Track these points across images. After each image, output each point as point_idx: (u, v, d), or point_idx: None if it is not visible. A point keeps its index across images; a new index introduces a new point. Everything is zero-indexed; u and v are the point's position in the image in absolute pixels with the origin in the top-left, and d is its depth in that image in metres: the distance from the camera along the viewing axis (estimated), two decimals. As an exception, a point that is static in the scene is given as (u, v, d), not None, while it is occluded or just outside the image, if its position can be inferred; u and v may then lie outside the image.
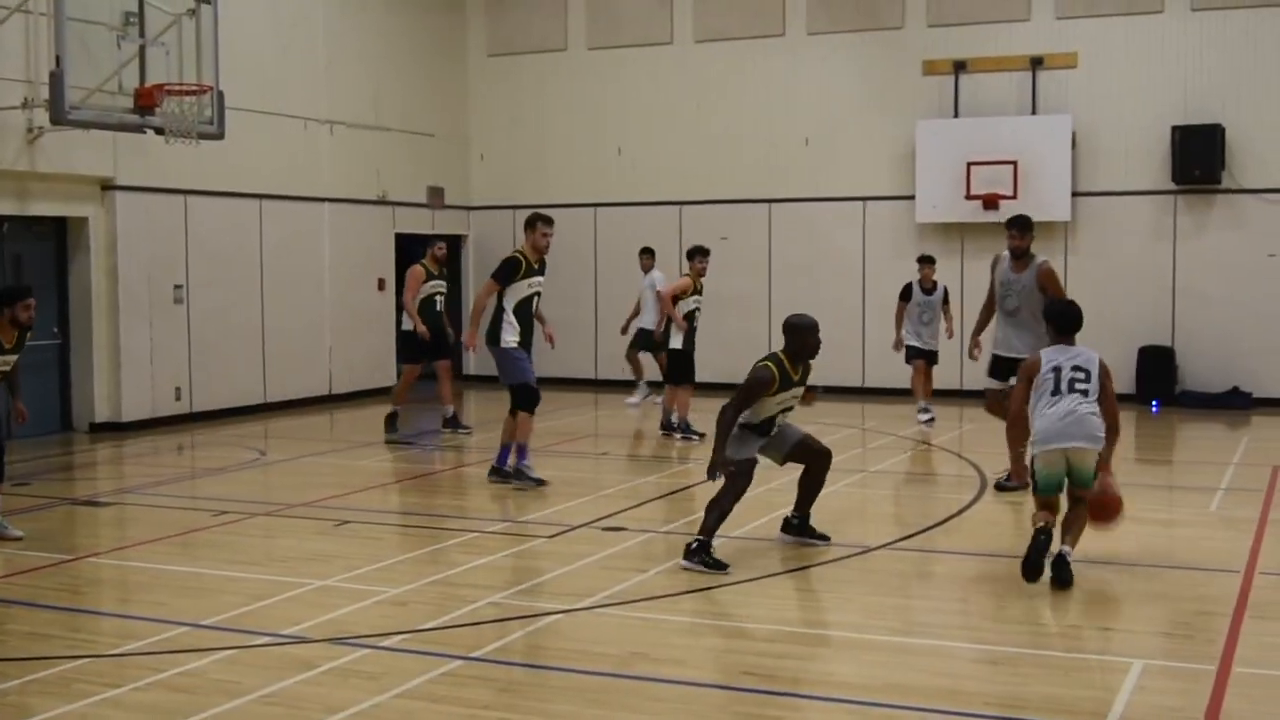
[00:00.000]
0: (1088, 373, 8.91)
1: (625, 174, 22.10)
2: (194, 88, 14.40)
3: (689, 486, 12.49)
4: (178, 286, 17.35)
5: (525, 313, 12.37)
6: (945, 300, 17.38)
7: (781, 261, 20.94)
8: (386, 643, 7.41)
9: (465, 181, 23.15)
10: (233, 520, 11.11)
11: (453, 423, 16.30)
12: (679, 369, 15.55)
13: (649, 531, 10.39)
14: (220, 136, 15.04)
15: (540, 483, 12.22)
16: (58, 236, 16.65)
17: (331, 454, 15.05)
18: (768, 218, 21.11)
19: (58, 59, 13.32)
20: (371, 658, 7.17)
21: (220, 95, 14.83)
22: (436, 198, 22.40)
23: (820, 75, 20.85)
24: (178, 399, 17.43)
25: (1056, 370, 8.93)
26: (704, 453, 13.95)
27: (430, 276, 16.06)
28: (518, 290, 12.28)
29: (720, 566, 8.96)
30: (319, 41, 19.93)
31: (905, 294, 17.32)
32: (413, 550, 10.01)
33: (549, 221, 12.54)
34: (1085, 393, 8.81)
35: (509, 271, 12.25)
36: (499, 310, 12.26)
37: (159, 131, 14.34)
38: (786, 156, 21.05)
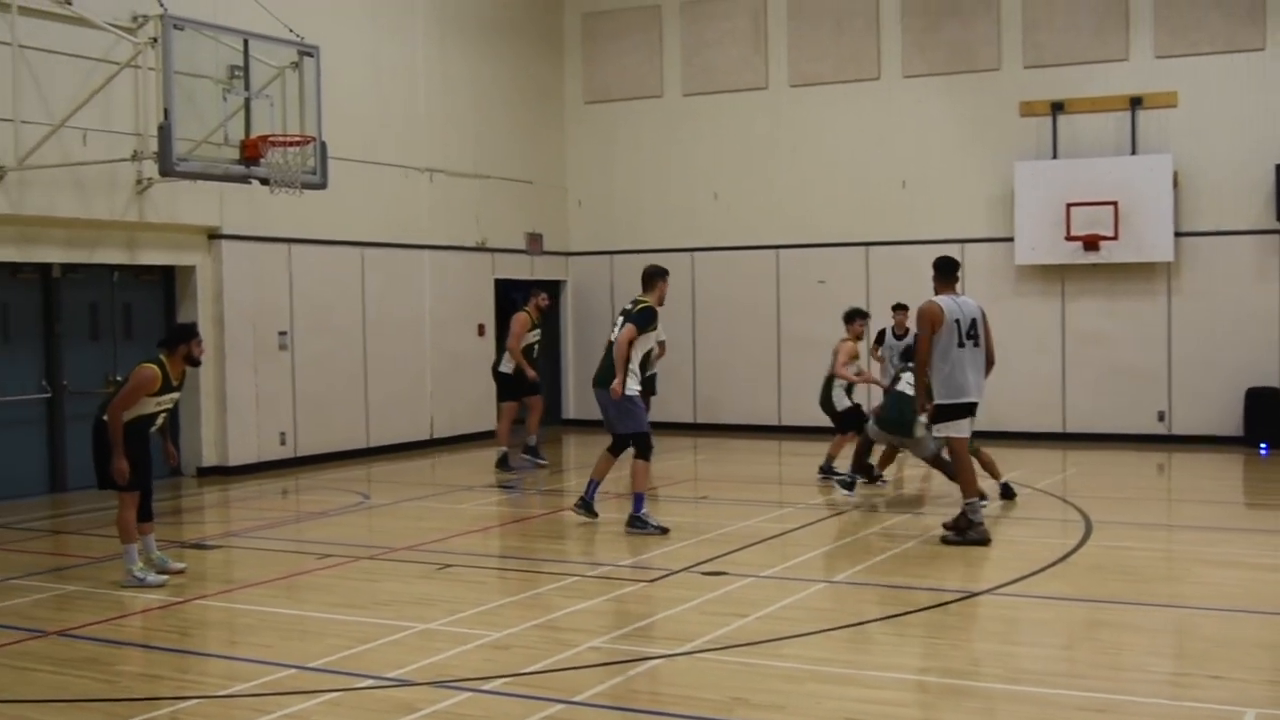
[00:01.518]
0: None
1: (721, 219, 22.17)
2: (297, 138, 14.65)
3: (790, 530, 12.44)
4: (282, 333, 17.65)
5: (646, 363, 12.67)
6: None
7: (879, 304, 20.80)
8: (489, 686, 7.46)
9: (563, 227, 23.34)
10: (337, 563, 11.25)
11: (532, 451, 17.21)
12: (852, 421, 15.45)
13: (750, 576, 10.35)
14: (323, 186, 15.28)
15: (663, 530, 12.21)
16: (166, 285, 17.01)
17: (433, 498, 15.18)
18: (865, 261, 21.06)
19: (166, 112, 13.60)
20: (474, 701, 7.21)
21: (323, 145, 15.08)
22: (535, 244, 22.60)
23: (916, 118, 20.82)
24: (282, 444, 17.70)
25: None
26: (802, 496, 13.94)
27: (533, 325, 16.75)
28: (646, 341, 12.52)
29: None
30: (419, 91, 20.24)
31: (879, 339, 17.67)
32: (514, 594, 10.06)
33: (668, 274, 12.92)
34: None
35: (648, 320, 12.43)
36: (626, 359, 12.36)
37: (264, 182, 14.58)
38: (883, 199, 21.01)
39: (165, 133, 13.53)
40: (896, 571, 10.56)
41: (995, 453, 17.84)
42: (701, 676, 7.64)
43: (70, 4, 14.74)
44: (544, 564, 11.16)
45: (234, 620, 9.59)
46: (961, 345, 11.57)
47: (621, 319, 12.49)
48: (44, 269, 15.71)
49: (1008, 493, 14.02)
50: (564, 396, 23.27)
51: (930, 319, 11.56)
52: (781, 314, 21.43)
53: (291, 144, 14.53)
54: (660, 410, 21.08)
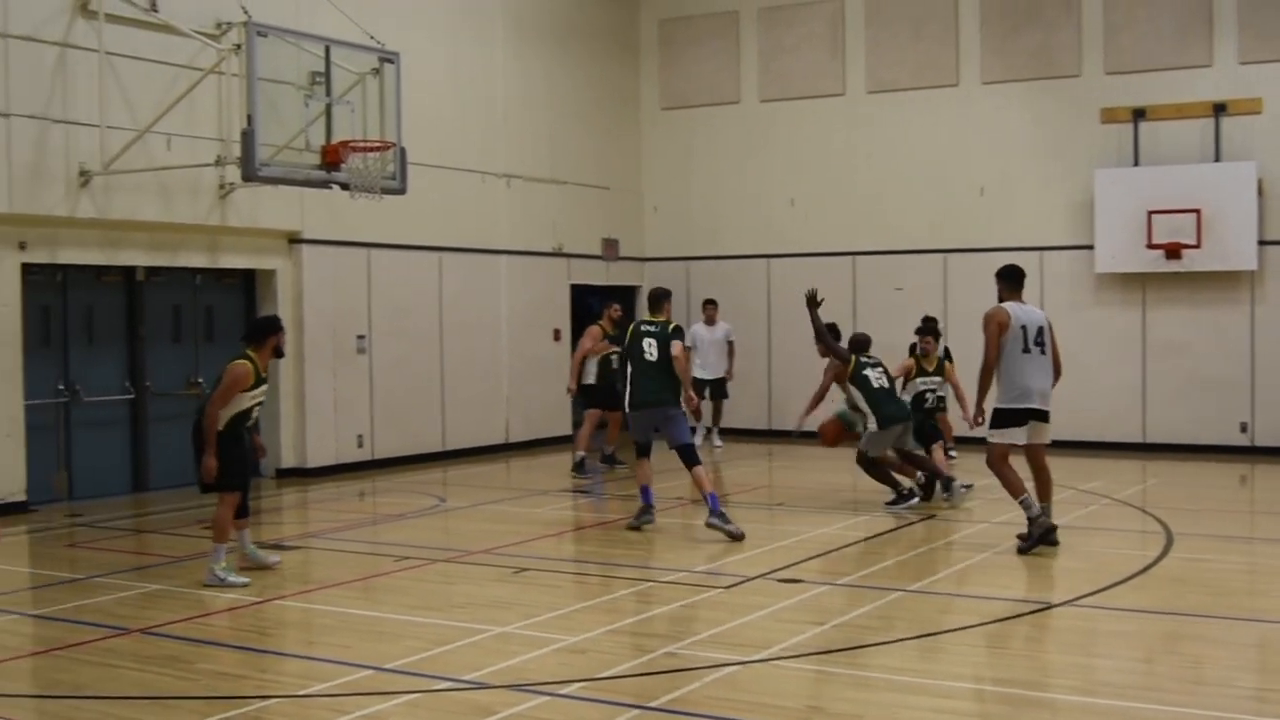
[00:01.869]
0: None
1: (798, 225, 22.12)
2: (377, 144, 14.77)
3: (866, 538, 12.40)
4: (360, 337, 17.81)
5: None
6: (947, 357, 17.12)
7: (957, 312, 20.68)
8: (565, 690, 7.48)
9: (639, 233, 23.38)
10: (414, 566, 11.33)
11: (609, 459, 17.61)
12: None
13: (826, 584, 10.32)
14: (402, 191, 15.41)
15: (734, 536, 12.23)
16: (247, 288, 17.22)
17: (508, 501, 15.25)
18: (943, 268, 20.94)
19: (249, 118, 13.77)
20: (550, 705, 7.24)
21: (402, 151, 15.20)
22: (611, 249, 22.66)
23: (995, 124, 20.67)
24: (360, 446, 17.86)
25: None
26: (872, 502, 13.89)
27: (605, 336, 17.07)
28: None
29: None
30: (497, 97, 20.36)
31: (911, 351, 17.36)
32: (589, 598, 10.09)
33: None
34: None
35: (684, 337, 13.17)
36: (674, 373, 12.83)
37: (344, 187, 14.72)
38: (961, 206, 20.88)
39: (248, 138, 13.69)
40: (973, 581, 10.49)
41: (1075, 463, 17.73)
42: (778, 684, 7.62)
43: (156, 11, 14.96)
44: (619, 569, 11.18)
45: (312, 621, 9.68)
46: (1027, 351, 11.53)
47: (654, 340, 12.86)
48: (128, 272, 15.95)
49: (945, 489, 14.20)
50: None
51: (998, 323, 11.51)
52: (858, 321, 21.32)
53: (372, 149, 14.65)
54: (734, 417, 21.15)
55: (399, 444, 18.41)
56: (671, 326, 12.98)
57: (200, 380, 16.32)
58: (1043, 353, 11.60)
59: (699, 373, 19.31)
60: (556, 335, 21.27)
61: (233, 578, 10.56)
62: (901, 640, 8.57)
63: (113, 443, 15.88)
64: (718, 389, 20.23)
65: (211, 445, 10.60)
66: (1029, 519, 11.52)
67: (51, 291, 15.26)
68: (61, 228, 14.72)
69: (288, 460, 17.04)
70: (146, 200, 15.22)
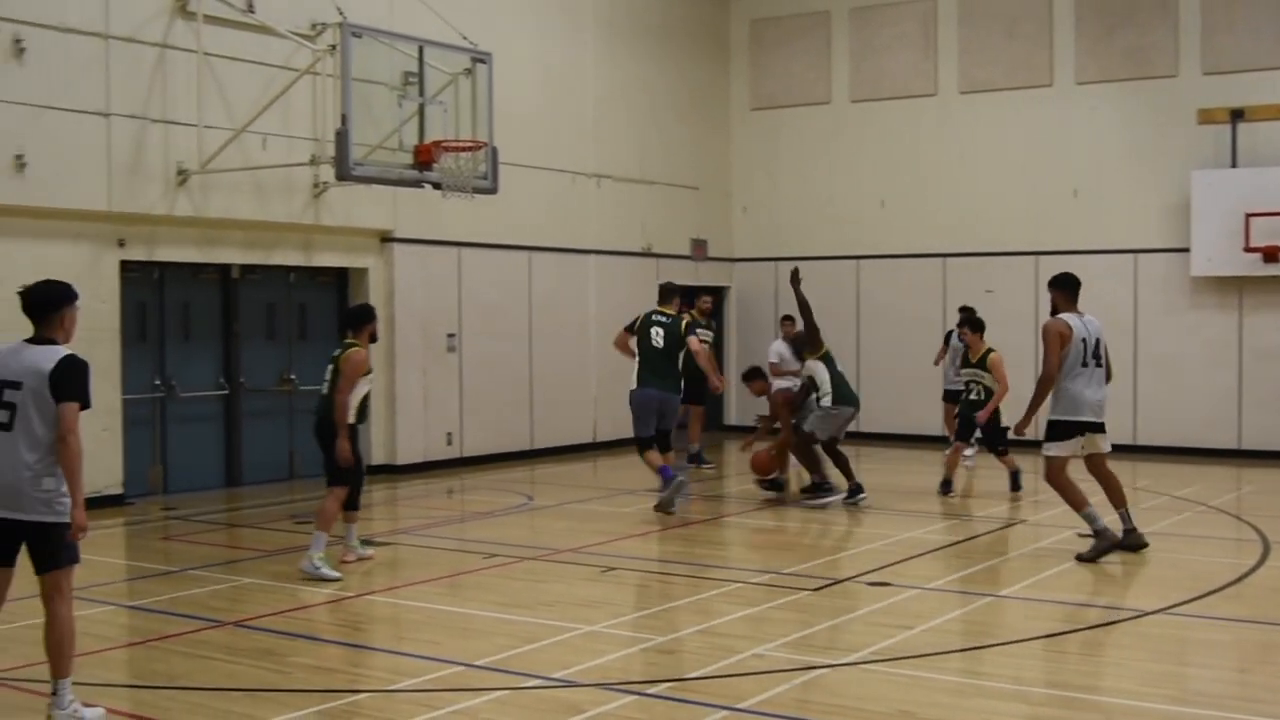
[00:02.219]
0: None
1: (887, 226, 22.00)
2: (470, 144, 14.85)
3: (956, 542, 12.30)
4: (450, 335, 17.95)
5: None
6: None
7: (1048, 315, 20.44)
8: (653, 690, 7.49)
9: (728, 234, 23.37)
10: (502, 564, 11.40)
11: (697, 458, 17.86)
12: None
13: (915, 588, 10.25)
14: (494, 191, 15.48)
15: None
16: (339, 286, 17.40)
17: (596, 500, 15.28)
18: (1034, 270, 20.70)
19: (343, 118, 13.89)
20: (639, 705, 7.25)
21: (494, 151, 15.28)
22: (700, 250, 22.65)
23: (1089, 125, 20.43)
24: (449, 444, 18.00)
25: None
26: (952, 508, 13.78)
27: (696, 326, 16.76)
28: None
29: None
30: (587, 97, 20.43)
31: (947, 339, 18.59)
32: (677, 599, 10.08)
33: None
34: None
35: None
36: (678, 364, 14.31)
37: (436, 186, 14.82)
38: (1054, 208, 20.66)
39: (342, 138, 13.82)
40: (1066, 587, 10.36)
41: (1169, 469, 17.50)
42: (867, 687, 7.59)
43: (253, 12, 15.16)
44: (707, 569, 11.17)
45: (402, 616, 9.76)
46: (1085, 365, 11.35)
47: (662, 331, 14.13)
48: (224, 269, 16.17)
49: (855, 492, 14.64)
50: (726, 403, 23.26)
51: (1060, 337, 11.30)
52: (948, 323, 21.14)
53: (464, 149, 14.73)
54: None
55: (488, 442, 18.52)
56: (685, 323, 14.29)
57: (293, 376, 16.52)
58: (1099, 365, 11.45)
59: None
60: (645, 335, 21.26)
61: (327, 570, 10.68)
62: (993, 646, 8.50)
63: (207, 438, 16.11)
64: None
65: (343, 429, 10.98)
66: (1095, 531, 11.35)
67: (149, 288, 15.50)
68: (159, 226, 14.96)
69: (378, 457, 17.20)
70: (242, 199, 15.43)
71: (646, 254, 21.51)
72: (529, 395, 19.27)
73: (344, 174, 14.12)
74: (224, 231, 15.60)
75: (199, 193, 15.01)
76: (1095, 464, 11.59)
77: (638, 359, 14.21)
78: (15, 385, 6.84)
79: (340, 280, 17.41)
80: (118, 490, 14.60)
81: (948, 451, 16.26)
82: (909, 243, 21.77)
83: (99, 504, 14.15)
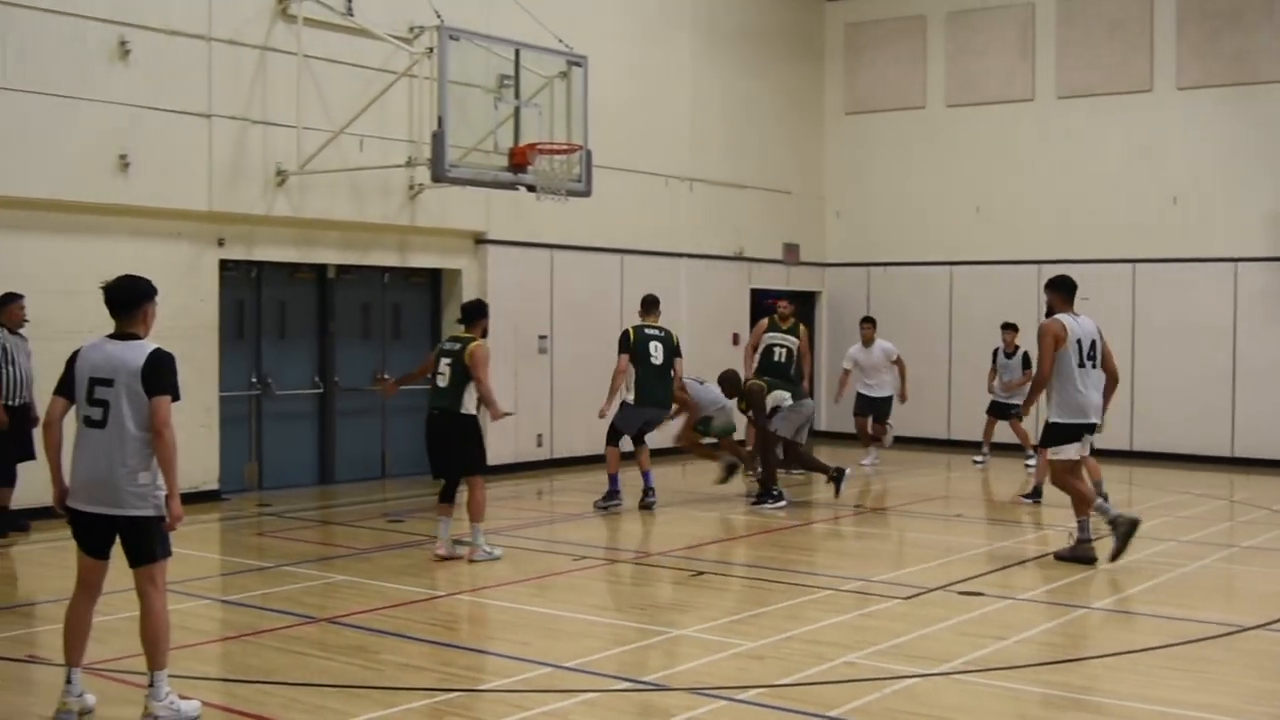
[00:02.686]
0: None
1: (982, 232, 21.79)
2: (564, 146, 14.89)
3: (1048, 552, 12.13)
4: (542, 337, 18.01)
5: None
6: (1025, 365, 18.18)
7: (1145, 324, 20.20)
8: (743, 696, 7.46)
9: (820, 238, 23.27)
10: (591, 566, 11.42)
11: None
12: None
13: (1008, 598, 10.15)
14: (588, 194, 15.50)
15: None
16: (433, 287, 17.54)
17: (684, 504, 15.24)
18: (1131, 278, 20.43)
19: (440, 120, 13.97)
20: (729, 710, 7.23)
21: (588, 154, 15.29)
22: (792, 254, 22.58)
23: (1190, 131, 20.09)
24: (539, 445, 18.06)
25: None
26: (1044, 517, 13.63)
27: (773, 328, 17.06)
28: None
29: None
30: (681, 101, 20.43)
31: (994, 358, 18.91)
32: (767, 604, 10.03)
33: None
34: None
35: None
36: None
37: (530, 189, 14.88)
38: (1152, 215, 20.35)
39: (438, 140, 13.90)
40: (1162, 600, 10.20)
41: (1269, 483, 17.19)
42: (959, 698, 7.51)
43: (352, 15, 15.31)
44: (796, 575, 11.11)
45: (491, 616, 9.81)
46: (1082, 365, 11.43)
47: (660, 345, 14.62)
48: (320, 269, 16.35)
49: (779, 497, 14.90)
50: (817, 409, 23.11)
51: (1054, 336, 11.35)
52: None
53: (558, 152, 14.78)
54: (912, 426, 20.90)
55: (578, 444, 18.55)
56: (676, 339, 14.88)
57: (386, 376, 16.65)
58: (1095, 366, 11.53)
59: (865, 390, 19.02)
60: (735, 339, 21.23)
61: (494, 550, 11.62)
62: (1087, 659, 8.38)
63: (301, 435, 16.29)
64: (882, 408, 19.09)
65: (496, 408, 11.64)
66: (1110, 521, 11.48)
67: (246, 287, 15.71)
68: (258, 225, 15.16)
69: (501, 456, 17.28)
70: (339, 200, 15.59)
71: (738, 258, 21.46)
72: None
73: (439, 176, 14.20)
74: (321, 232, 15.77)
75: (297, 193, 15.19)
76: (1086, 464, 11.92)
77: (637, 376, 14.59)
78: (107, 382, 6.94)
79: (434, 281, 17.54)
80: (214, 486, 14.80)
81: (1032, 462, 16.35)
82: (1003, 249, 21.54)
83: (195, 499, 14.36)
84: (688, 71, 20.57)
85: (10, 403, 12.38)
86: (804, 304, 23.30)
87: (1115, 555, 11.33)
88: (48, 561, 11.59)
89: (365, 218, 15.91)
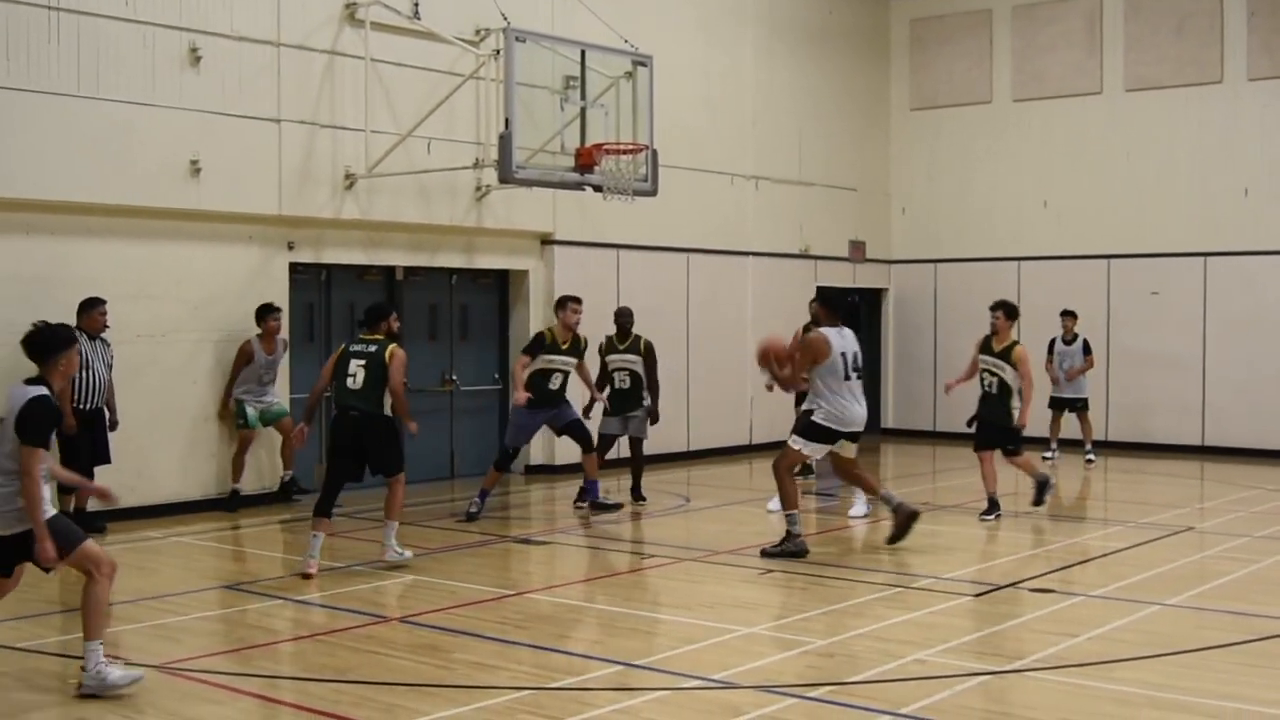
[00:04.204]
0: None
1: (1050, 227, 21.63)
2: (630, 147, 14.91)
3: (1119, 550, 12.05)
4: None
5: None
6: (1086, 350, 18.45)
7: (1217, 318, 19.98)
8: (814, 694, 7.47)
9: (886, 235, 23.18)
10: (659, 564, 11.45)
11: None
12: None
13: (1079, 595, 10.09)
14: (654, 193, 15.50)
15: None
16: (500, 288, 17.63)
17: (752, 502, 15.24)
18: (1203, 272, 20.21)
19: (507, 122, 14.02)
20: (799, 708, 7.23)
21: (654, 153, 15.30)
22: (858, 251, 22.51)
23: (1262, 123, 19.86)
24: (608, 444, 18.07)
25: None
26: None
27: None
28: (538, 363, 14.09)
29: None
30: (746, 99, 20.42)
31: (1050, 347, 18.61)
32: (836, 602, 10.02)
33: (578, 300, 14.45)
34: None
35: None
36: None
37: (596, 189, 14.91)
38: (1224, 208, 20.13)
39: (505, 141, 13.95)
40: (1236, 597, 10.10)
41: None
42: (1032, 695, 7.48)
43: (419, 19, 15.43)
44: (864, 573, 11.10)
45: (560, 615, 9.85)
46: (848, 378, 11.72)
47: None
48: (388, 271, 16.47)
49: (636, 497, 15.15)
50: (884, 407, 23.07)
51: (817, 351, 11.67)
52: (1111, 326, 20.76)
53: (624, 152, 14.79)
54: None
55: (648, 442, 18.51)
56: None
57: (454, 377, 16.78)
58: (859, 377, 11.86)
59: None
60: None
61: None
62: (1162, 655, 8.31)
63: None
64: (1081, 408, 18.75)
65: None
66: (792, 533, 11.70)
67: (315, 290, 15.86)
68: (327, 229, 15.30)
69: (536, 458, 17.37)
70: (407, 202, 15.71)
71: (804, 255, 21.42)
72: (685, 397, 19.30)
73: (506, 177, 14.26)
74: (389, 234, 15.90)
75: (365, 196, 15.32)
76: (844, 465, 12.18)
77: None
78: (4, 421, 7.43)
79: (501, 282, 17.63)
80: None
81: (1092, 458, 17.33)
82: (1072, 244, 21.38)
83: (265, 500, 14.54)
84: (752, 69, 20.56)
85: (81, 407, 12.58)
86: (870, 301, 23.26)
87: (769, 554, 11.68)
88: (124, 562, 11.66)
89: (433, 220, 16.02)
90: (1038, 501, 14.03)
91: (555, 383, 14.15)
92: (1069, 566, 11.24)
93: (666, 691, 7.53)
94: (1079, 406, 18.60)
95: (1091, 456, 18.65)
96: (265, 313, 14.43)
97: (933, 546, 12.18)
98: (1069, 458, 18.72)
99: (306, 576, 10.79)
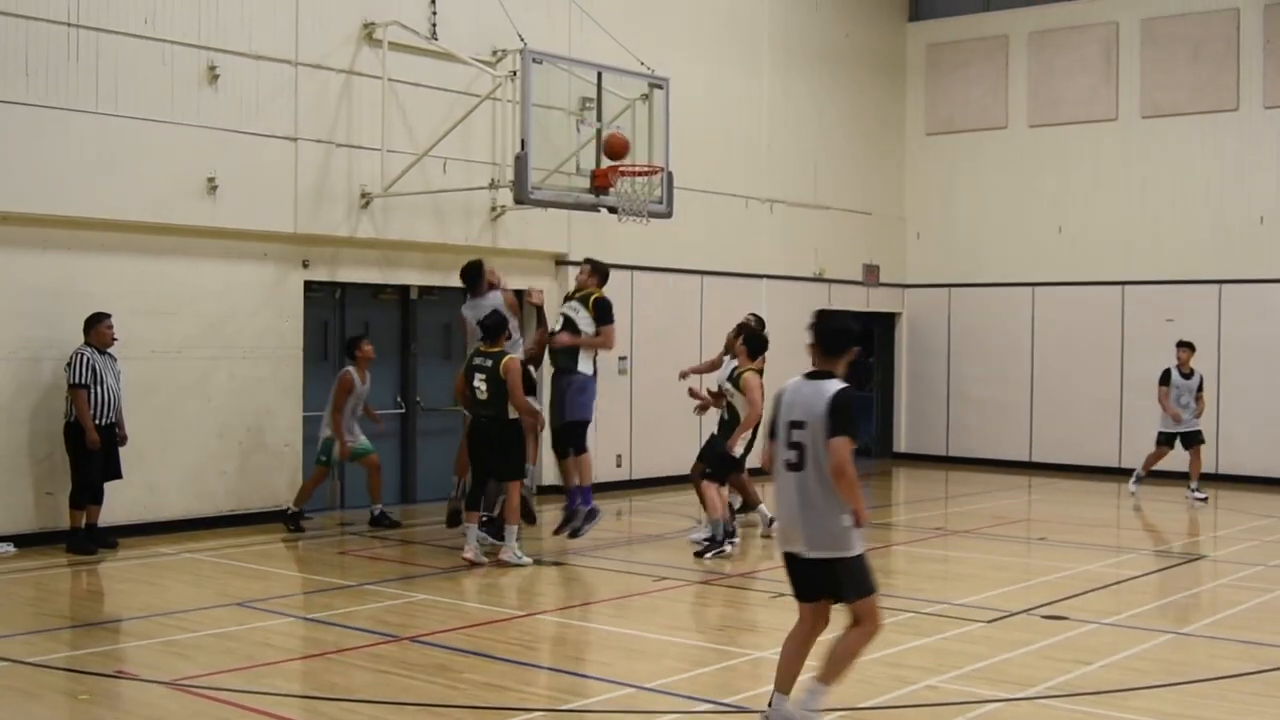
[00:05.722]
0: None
1: (1065, 253, 21.61)
2: (646, 168, 14.92)
3: (1133, 577, 12.01)
4: (622, 358, 18.05)
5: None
6: (1200, 386, 17.64)
7: (1231, 346, 19.92)
8: (826, 719, 7.43)
9: (901, 259, 23.17)
10: (671, 586, 11.42)
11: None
12: None
13: (1092, 622, 10.04)
14: (669, 215, 15.49)
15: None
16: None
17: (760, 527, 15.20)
18: (1217, 299, 20.16)
19: (523, 143, 14.04)
20: (810, 732, 7.20)
21: (670, 175, 15.31)
22: (872, 275, 22.50)
23: (1278, 150, 19.82)
24: (618, 465, 18.10)
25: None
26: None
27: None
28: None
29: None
30: (762, 122, 20.44)
31: (1164, 379, 17.72)
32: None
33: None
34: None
35: None
36: None
37: (612, 210, 14.91)
38: (1239, 235, 20.09)
39: (521, 162, 13.96)
40: (1250, 626, 10.06)
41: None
42: (1043, 723, 7.46)
43: (436, 40, 15.47)
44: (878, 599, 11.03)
45: (571, 637, 9.84)
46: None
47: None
48: (403, 290, 16.49)
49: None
50: (895, 430, 23.05)
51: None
52: (1126, 352, 20.72)
53: (640, 174, 14.79)
54: (994, 447, 20.76)
55: (657, 464, 18.58)
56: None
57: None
58: None
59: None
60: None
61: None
62: (1176, 684, 8.28)
63: (383, 454, 16.33)
64: (1194, 440, 17.78)
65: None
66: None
67: (330, 308, 15.88)
68: (342, 247, 15.33)
69: (547, 478, 17.34)
70: (422, 221, 15.74)
71: (818, 279, 21.41)
72: (698, 419, 19.24)
73: (522, 198, 14.27)
74: (404, 253, 15.92)
75: (381, 215, 15.35)
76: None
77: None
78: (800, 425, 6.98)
79: (518, 302, 17.59)
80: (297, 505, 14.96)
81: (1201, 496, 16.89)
82: (1087, 270, 21.35)
83: (275, 518, 14.52)
84: (768, 92, 20.59)
85: (99, 422, 12.61)
86: (884, 325, 23.24)
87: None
88: (135, 578, 11.76)
89: (448, 239, 16.04)
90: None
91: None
92: (1083, 594, 11.19)
93: (677, 714, 7.51)
94: (1195, 440, 17.58)
95: (1202, 495, 17.44)
96: (358, 341, 14.59)
97: (945, 572, 12.15)
98: (1169, 490, 18.15)
99: (471, 564, 11.89)
